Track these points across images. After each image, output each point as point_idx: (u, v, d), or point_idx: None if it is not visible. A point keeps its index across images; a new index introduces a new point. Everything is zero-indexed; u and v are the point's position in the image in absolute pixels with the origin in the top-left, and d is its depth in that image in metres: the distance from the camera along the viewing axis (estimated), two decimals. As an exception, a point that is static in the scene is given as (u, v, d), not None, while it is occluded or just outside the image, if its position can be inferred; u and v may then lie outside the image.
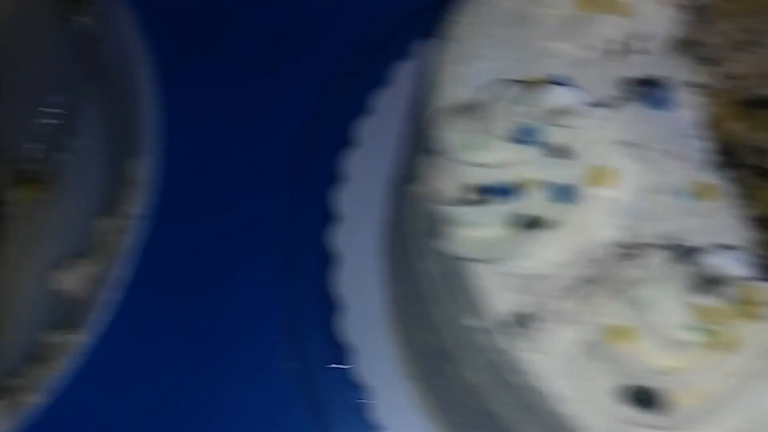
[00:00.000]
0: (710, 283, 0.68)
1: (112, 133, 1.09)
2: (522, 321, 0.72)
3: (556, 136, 0.73)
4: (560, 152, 0.72)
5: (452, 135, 0.74)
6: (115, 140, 1.08)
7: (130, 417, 1.08)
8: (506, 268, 0.73)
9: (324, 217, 1.10)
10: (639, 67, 0.85)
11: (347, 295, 1.09)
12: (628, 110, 0.82)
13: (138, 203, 1.01)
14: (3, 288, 1.04)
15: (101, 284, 0.97)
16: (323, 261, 1.11)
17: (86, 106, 1.13)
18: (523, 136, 0.72)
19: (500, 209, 0.71)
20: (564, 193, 0.70)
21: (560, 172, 0.71)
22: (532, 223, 0.71)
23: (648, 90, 0.83)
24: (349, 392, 1.05)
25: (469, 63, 0.85)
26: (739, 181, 1.12)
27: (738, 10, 1.02)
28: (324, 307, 1.09)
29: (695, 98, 0.84)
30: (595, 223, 0.71)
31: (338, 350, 1.07)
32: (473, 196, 0.72)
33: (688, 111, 0.83)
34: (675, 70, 0.85)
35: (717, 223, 0.78)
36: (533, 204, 0.71)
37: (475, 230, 0.72)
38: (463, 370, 0.88)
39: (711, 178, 0.80)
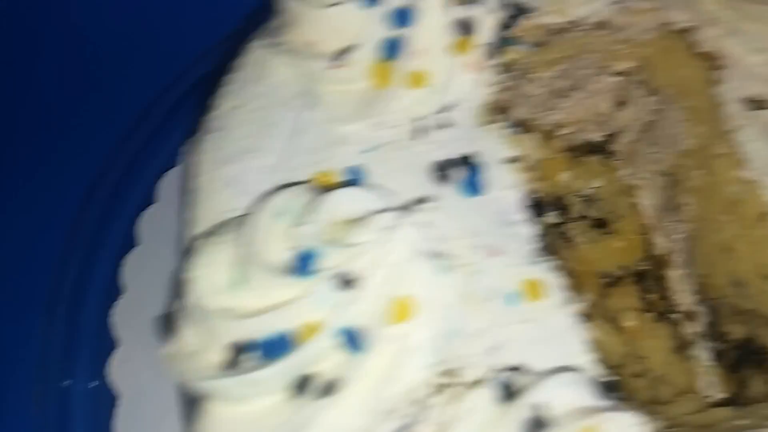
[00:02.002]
0: (541, 426, 0.55)
1: None
2: None
3: (344, 260, 0.56)
4: (349, 282, 0.55)
5: (208, 273, 0.56)
6: None
7: None
8: None
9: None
10: (449, 146, 0.71)
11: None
12: (437, 204, 0.68)
13: None
14: None
15: None
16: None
17: None
18: (303, 265, 0.56)
19: (276, 371, 0.53)
20: (355, 339, 0.54)
21: (350, 311, 0.54)
22: (320, 384, 0.54)
23: (460, 173, 0.70)
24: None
25: (237, 160, 0.69)
26: (573, 235, 1.09)
27: (554, 59, 0.94)
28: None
29: (513, 175, 0.71)
30: (399, 368, 0.55)
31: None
32: (240, 357, 0.55)
33: (507, 191, 0.70)
34: (488, 143, 0.71)
35: (548, 327, 0.66)
36: (318, 358, 0.54)
37: (244, 404, 0.54)
38: None
39: (538, 271, 0.68)
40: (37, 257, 1.05)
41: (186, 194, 0.67)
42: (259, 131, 0.68)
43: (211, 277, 0.56)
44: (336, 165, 0.67)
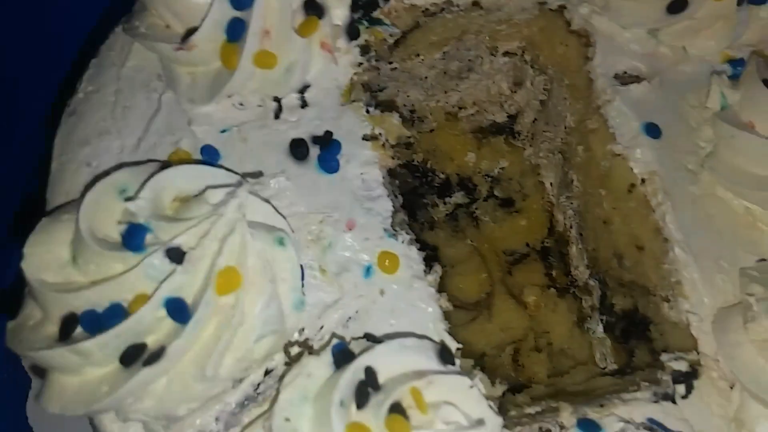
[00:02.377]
0: (363, 393, 0.56)
1: None
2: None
3: (174, 234, 0.57)
4: (177, 255, 0.56)
5: (48, 250, 0.58)
6: None
7: None
8: (140, 415, 0.57)
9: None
10: (308, 125, 0.72)
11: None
12: (292, 178, 0.70)
13: None
14: None
15: None
16: None
17: None
18: (134, 239, 0.57)
19: (107, 342, 0.55)
20: (182, 310, 0.55)
21: (176, 283, 0.55)
22: (148, 353, 0.56)
23: (318, 151, 0.73)
24: None
25: (94, 142, 0.70)
26: (480, 215, 1.11)
27: (437, 41, 0.95)
28: None
29: (372, 152, 0.72)
30: (229, 338, 0.57)
31: None
32: (75, 329, 0.56)
33: (365, 167, 0.71)
34: (348, 122, 0.72)
35: (401, 299, 0.68)
36: (147, 328, 0.56)
37: (80, 374, 0.56)
38: None
39: (394, 245, 0.69)
40: None
41: (47, 177, 0.69)
42: (117, 114, 0.70)
43: (50, 253, 0.58)
44: (192, 144, 0.69)
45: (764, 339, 0.67)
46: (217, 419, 0.62)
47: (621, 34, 0.86)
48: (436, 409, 0.56)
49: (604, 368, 0.92)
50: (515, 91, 1.04)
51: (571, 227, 0.99)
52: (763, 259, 0.74)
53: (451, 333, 0.70)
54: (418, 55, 0.94)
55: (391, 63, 0.90)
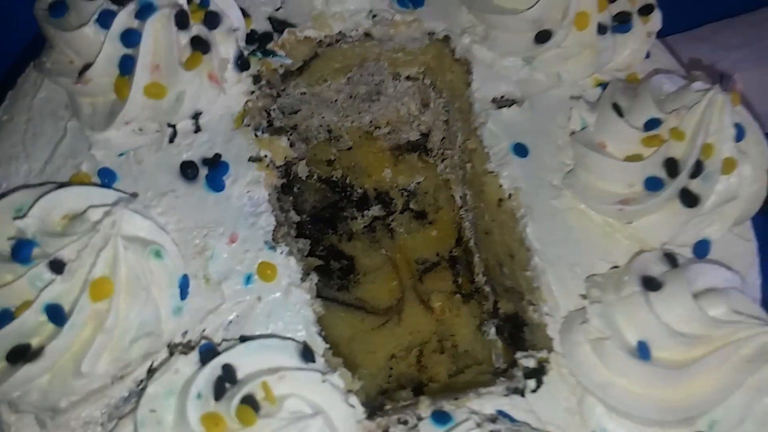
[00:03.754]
0: (221, 386, 0.62)
1: None
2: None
3: (57, 248, 0.65)
4: (58, 266, 0.64)
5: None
6: None
7: None
8: (27, 406, 0.65)
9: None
10: (198, 148, 0.80)
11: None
12: (181, 197, 0.78)
13: None
14: None
15: None
16: None
17: None
18: (21, 252, 0.64)
19: None
20: (59, 314, 0.63)
21: (55, 290, 0.63)
22: (30, 353, 0.63)
23: (206, 171, 0.80)
24: None
25: (5, 166, 0.78)
26: (396, 226, 1.18)
27: (339, 68, 1.03)
28: None
29: (257, 173, 0.80)
30: (104, 340, 0.64)
31: None
32: None
33: (250, 186, 0.79)
34: (236, 146, 0.80)
35: (277, 304, 0.75)
36: (29, 330, 0.63)
37: None
38: None
39: (272, 256, 0.77)
40: None
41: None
42: (27, 140, 0.78)
43: None
44: (92, 167, 0.77)
45: (596, 338, 0.74)
46: (102, 412, 0.69)
47: (499, 62, 0.93)
48: (284, 401, 0.64)
49: (497, 368, 1.00)
50: (423, 112, 1.12)
51: (471, 238, 1.07)
52: (616, 266, 0.82)
53: (320, 335, 0.77)
54: (325, 80, 1.02)
55: (296, 88, 0.98)
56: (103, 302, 0.64)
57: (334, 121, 1.10)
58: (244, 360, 0.65)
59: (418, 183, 1.16)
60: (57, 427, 0.66)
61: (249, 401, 0.64)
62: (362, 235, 1.12)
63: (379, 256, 1.11)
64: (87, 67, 0.75)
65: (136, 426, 0.62)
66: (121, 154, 0.79)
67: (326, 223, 1.13)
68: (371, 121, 1.13)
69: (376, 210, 1.15)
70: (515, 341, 0.93)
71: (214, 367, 0.64)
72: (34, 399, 0.65)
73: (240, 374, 0.65)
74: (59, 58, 0.78)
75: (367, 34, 0.95)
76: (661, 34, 0.98)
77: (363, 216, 1.13)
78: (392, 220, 1.13)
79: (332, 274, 1.09)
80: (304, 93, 1.00)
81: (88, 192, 0.70)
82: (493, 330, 0.99)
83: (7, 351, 0.63)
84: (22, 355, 0.63)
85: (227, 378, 0.65)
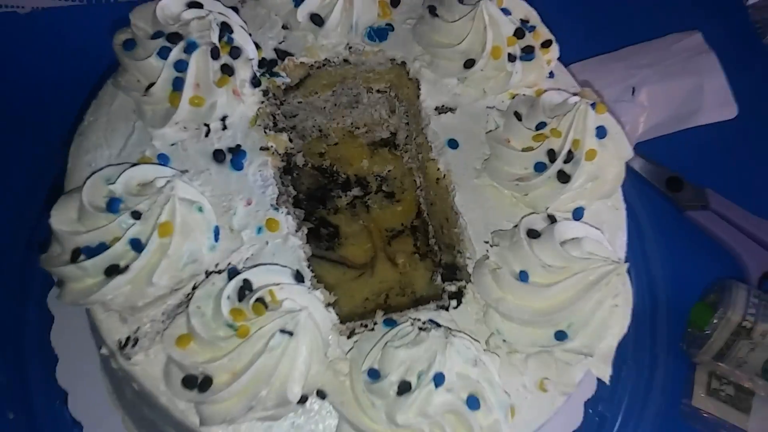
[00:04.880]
0: (244, 292, 0.94)
1: None
2: (127, 345, 0.96)
3: (138, 202, 0.95)
4: (137, 215, 0.95)
5: (62, 212, 0.98)
6: None
7: None
8: (112, 305, 0.97)
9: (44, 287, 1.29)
10: (225, 140, 1.10)
11: (62, 349, 1.29)
12: (213, 174, 1.08)
13: None
14: None
15: None
16: (44, 322, 1.31)
17: None
18: (114, 206, 0.96)
19: (97, 263, 0.93)
20: (138, 245, 0.93)
21: (136, 230, 0.93)
22: (120, 270, 0.93)
23: (231, 157, 1.12)
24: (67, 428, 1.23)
25: (94, 152, 1.10)
26: (370, 203, 1.48)
27: (326, 83, 1.35)
28: (46, 361, 1.25)
29: (266, 158, 1.10)
30: (164, 263, 0.94)
31: (58, 394, 1.27)
32: (78, 257, 0.94)
33: (261, 167, 1.09)
34: (252, 139, 1.10)
35: (279, 246, 1.04)
36: (119, 255, 0.93)
37: (81, 283, 0.94)
38: (126, 389, 1.11)
39: (276, 214, 1.06)
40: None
41: (65, 171, 1.09)
42: (108, 134, 1.08)
43: (66, 214, 0.97)
44: (153, 153, 1.08)
45: (493, 269, 1.05)
46: (162, 312, 0.96)
47: (440, 81, 1.23)
48: (283, 302, 0.95)
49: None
50: (390, 116, 1.41)
51: (425, 210, 1.39)
52: (516, 225, 1.13)
53: (309, 267, 1.03)
54: (316, 93, 1.29)
55: (295, 98, 1.26)
56: (166, 238, 0.94)
57: (323, 122, 1.36)
58: (257, 277, 0.96)
59: (389, 170, 1.38)
60: (133, 322, 0.96)
61: (260, 301, 0.95)
62: (345, 209, 1.35)
63: (358, 225, 1.34)
64: (151, 85, 1.08)
65: (189, 317, 0.94)
66: (173, 144, 1.08)
67: (318, 200, 1.35)
68: (352, 123, 1.38)
69: (356, 191, 1.36)
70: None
71: (238, 281, 0.95)
72: (119, 301, 0.93)
73: (254, 286, 0.95)
74: (130, 79, 1.10)
75: (346, 60, 1.22)
76: (585, 56, 1.28)
77: (346, 195, 1.36)
78: (368, 199, 1.36)
79: (321, 238, 1.30)
80: (301, 102, 1.28)
81: (153, 168, 1.01)
82: (439, 278, 1.19)
83: (104, 268, 0.94)
84: (114, 271, 0.92)
85: (246, 287, 0.96)
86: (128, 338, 0.96)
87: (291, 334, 0.91)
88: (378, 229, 1.37)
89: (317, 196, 1.38)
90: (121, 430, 1.22)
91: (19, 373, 1.29)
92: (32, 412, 1.26)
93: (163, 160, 1.06)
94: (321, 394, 0.95)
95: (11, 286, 1.36)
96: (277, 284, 0.95)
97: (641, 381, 1.39)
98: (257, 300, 0.92)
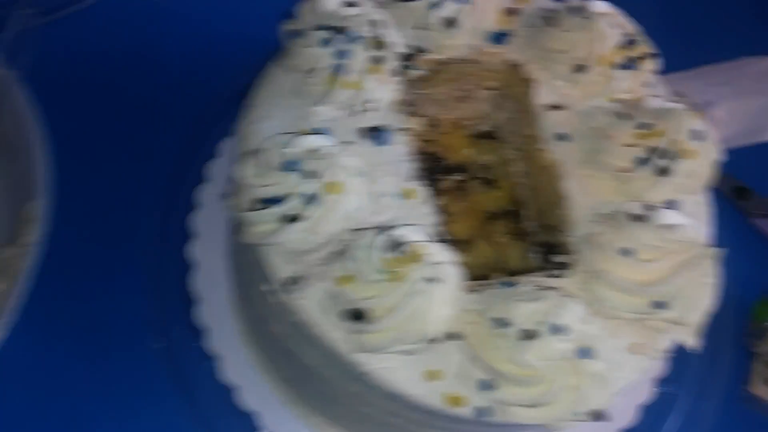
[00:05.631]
0: (395, 245, 1.12)
1: (12, 182, 1.41)
2: (293, 282, 1.16)
3: (309, 165, 1.14)
4: (310, 174, 1.13)
5: (245, 168, 1.17)
6: (15, 187, 1.40)
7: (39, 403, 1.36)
8: (282, 248, 1.16)
9: (184, 235, 1.47)
10: (371, 120, 1.27)
11: (202, 290, 1.49)
12: (362, 147, 1.28)
13: (35, 235, 1.31)
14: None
15: (7, 297, 1.25)
16: (184, 267, 1.51)
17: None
18: (289, 166, 1.14)
19: (274, 212, 1.12)
20: (311, 199, 1.12)
21: (308, 187, 1.11)
22: (293, 219, 1.12)
23: (375, 133, 1.30)
24: (206, 362, 1.41)
25: (261, 122, 1.29)
26: (470, 188, 1.61)
27: (448, 78, 1.52)
28: (185, 301, 1.46)
29: (405, 138, 1.29)
30: (331, 217, 1.12)
31: (196, 332, 1.47)
32: (259, 205, 1.13)
33: (400, 146, 1.28)
34: (393, 120, 1.28)
35: (415, 212, 1.22)
36: (293, 207, 1.12)
37: (261, 226, 1.13)
38: (274, 325, 1.29)
39: (412, 184, 1.24)
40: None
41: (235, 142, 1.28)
42: (272, 109, 1.24)
43: (245, 171, 1.17)
44: (311, 126, 1.25)
45: (599, 244, 1.22)
46: (324, 257, 1.08)
47: (551, 82, 1.41)
48: (423, 256, 1.12)
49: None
50: (494, 112, 1.60)
51: (522, 196, 1.55)
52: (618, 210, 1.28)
53: (437, 227, 1.22)
54: (439, 86, 1.46)
55: (423, 89, 1.43)
56: (332, 195, 1.13)
57: (435, 113, 1.54)
58: (403, 233, 1.14)
59: (489, 160, 1.49)
60: (299, 263, 1.12)
61: (408, 253, 1.12)
62: (447, 191, 1.48)
63: (459, 205, 1.46)
64: (312, 69, 1.27)
65: (347, 262, 1.11)
66: (327, 120, 1.28)
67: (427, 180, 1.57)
68: (459, 116, 1.61)
69: (458, 176, 1.54)
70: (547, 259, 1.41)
71: (389, 235, 1.14)
72: (289, 246, 1.14)
73: (402, 240, 1.12)
74: (294, 63, 1.28)
75: (466, 59, 1.43)
76: (665, 72, 1.46)
77: (449, 179, 1.50)
78: (468, 184, 1.46)
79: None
80: (425, 93, 1.47)
81: (319, 138, 1.17)
82: (537, 255, 1.34)
83: (280, 217, 1.13)
84: (288, 219, 1.06)
85: (395, 241, 1.12)
86: (292, 277, 1.14)
87: (433, 281, 1.09)
88: (476, 210, 1.48)
89: (427, 177, 1.56)
90: (253, 363, 1.40)
91: (161, 313, 1.47)
92: (172, 345, 1.44)
93: (321, 132, 1.24)
94: (454, 336, 1.12)
95: (152, 237, 1.54)
96: (417, 241, 1.13)
97: (707, 366, 1.56)
98: (405, 252, 1.09)
